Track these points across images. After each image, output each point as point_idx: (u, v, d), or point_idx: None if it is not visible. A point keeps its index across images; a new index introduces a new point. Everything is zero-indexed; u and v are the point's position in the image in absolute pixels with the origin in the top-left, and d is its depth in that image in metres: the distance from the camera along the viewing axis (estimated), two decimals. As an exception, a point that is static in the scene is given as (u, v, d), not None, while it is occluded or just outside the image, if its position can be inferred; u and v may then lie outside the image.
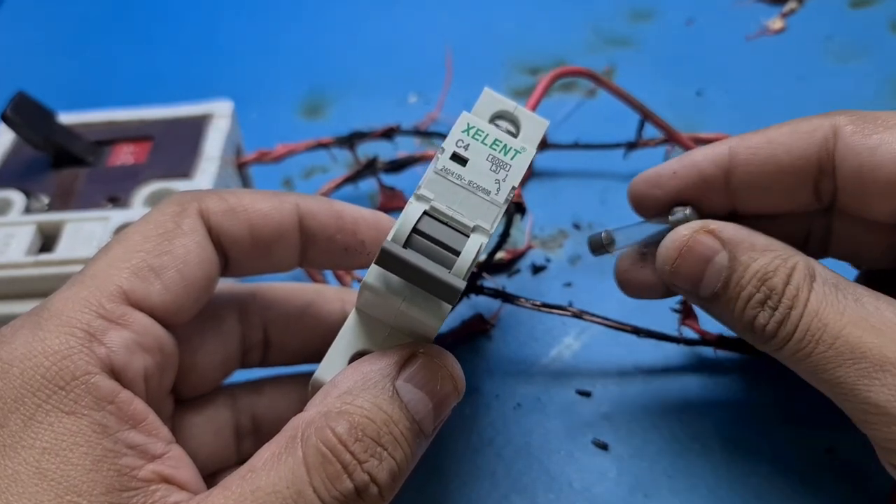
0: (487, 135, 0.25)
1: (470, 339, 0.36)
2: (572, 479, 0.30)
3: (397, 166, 0.41)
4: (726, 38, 0.51)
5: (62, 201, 0.36)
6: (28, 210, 0.36)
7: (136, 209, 0.35)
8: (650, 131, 0.42)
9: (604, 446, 0.31)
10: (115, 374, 0.21)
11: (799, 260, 0.25)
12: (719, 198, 0.27)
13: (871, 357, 0.22)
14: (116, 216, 0.35)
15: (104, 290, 0.22)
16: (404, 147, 0.45)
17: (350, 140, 0.42)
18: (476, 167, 0.24)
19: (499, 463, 0.31)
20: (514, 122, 0.27)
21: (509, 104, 0.26)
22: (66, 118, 0.40)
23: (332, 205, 0.26)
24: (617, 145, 0.43)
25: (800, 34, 0.51)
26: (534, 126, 0.26)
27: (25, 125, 0.37)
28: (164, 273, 0.23)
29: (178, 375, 0.26)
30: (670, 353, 0.34)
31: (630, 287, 0.30)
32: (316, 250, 0.26)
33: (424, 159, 0.41)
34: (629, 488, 0.30)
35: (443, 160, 0.24)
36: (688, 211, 0.28)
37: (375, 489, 0.21)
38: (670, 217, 0.28)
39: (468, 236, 0.23)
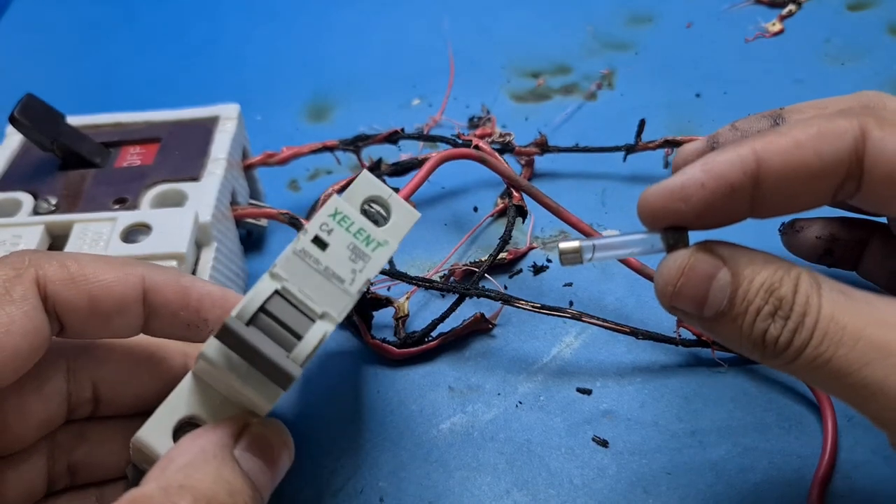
0: (353, 223, 0.25)
1: (473, 337, 0.36)
2: (573, 475, 0.31)
3: (401, 169, 0.42)
4: (725, 41, 0.52)
5: (70, 203, 0.37)
6: (36, 211, 0.36)
7: (143, 210, 0.36)
8: (649, 134, 0.42)
9: (604, 443, 0.32)
10: None
11: (802, 270, 0.24)
12: (742, 206, 0.25)
13: None
14: (124, 217, 0.35)
15: None
16: (408, 150, 0.45)
17: (354, 143, 0.42)
18: (335, 254, 0.24)
19: (500, 459, 0.32)
20: (385, 208, 0.27)
21: (385, 190, 0.27)
22: (73, 120, 0.40)
23: (179, 280, 0.26)
24: (616, 148, 0.43)
25: (798, 37, 0.52)
26: (404, 216, 0.27)
27: (33, 127, 0.37)
28: None
29: None
30: (669, 351, 0.35)
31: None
32: (159, 323, 0.26)
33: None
34: (628, 484, 0.30)
35: (303, 242, 0.24)
36: (686, 233, 0.26)
37: None
38: (669, 240, 0.26)
39: (314, 322, 0.23)
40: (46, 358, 0.26)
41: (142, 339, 0.28)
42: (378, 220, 0.27)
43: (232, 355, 0.23)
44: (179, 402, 0.24)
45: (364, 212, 0.27)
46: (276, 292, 0.23)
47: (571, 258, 0.26)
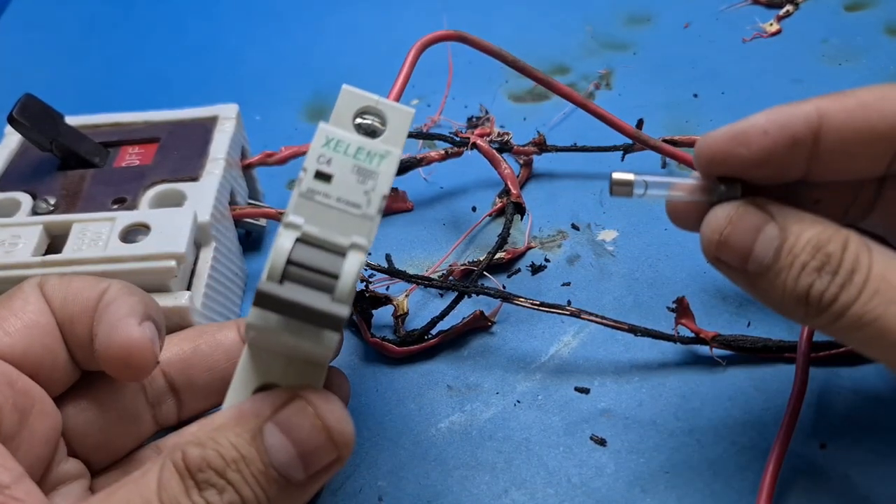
0: (349, 145, 0.24)
1: (471, 336, 0.37)
2: (571, 473, 0.31)
3: (400, 168, 0.42)
4: (722, 41, 0.52)
5: (69, 203, 0.37)
6: (35, 211, 0.36)
7: (142, 210, 0.36)
8: (647, 133, 0.42)
9: (602, 442, 0.32)
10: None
11: (851, 232, 0.24)
12: (800, 162, 0.25)
13: None
14: (123, 217, 0.35)
15: None
16: (407, 149, 0.45)
17: (352, 142, 0.42)
18: (342, 182, 0.23)
19: (499, 457, 0.32)
20: (379, 115, 0.26)
21: (371, 98, 0.26)
22: (72, 120, 0.40)
23: (102, 300, 0.27)
24: (615, 148, 0.43)
25: (795, 37, 0.52)
26: (399, 117, 0.26)
27: (32, 127, 0.37)
28: (4, 322, 0.25)
29: (81, 440, 0.27)
30: (667, 350, 0.35)
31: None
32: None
33: (426, 161, 0.42)
34: (627, 483, 0.31)
35: (307, 181, 0.23)
36: (739, 185, 0.26)
37: None
38: (722, 189, 0.26)
39: (346, 256, 0.22)
40: None
41: (188, 329, 0.31)
42: (375, 131, 0.26)
43: (275, 316, 0.22)
44: (246, 374, 0.24)
45: (358, 127, 0.26)
46: (298, 240, 0.22)
47: (622, 190, 0.26)
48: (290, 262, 0.22)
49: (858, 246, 0.24)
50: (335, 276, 0.22)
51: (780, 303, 0.25)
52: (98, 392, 0.28)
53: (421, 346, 0.36)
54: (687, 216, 0.27)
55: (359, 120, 0.26)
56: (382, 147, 0.24)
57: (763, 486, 0.29)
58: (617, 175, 0.26)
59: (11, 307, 0.26)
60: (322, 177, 0.23)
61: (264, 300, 0.22)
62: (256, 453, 0.22)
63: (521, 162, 0.45)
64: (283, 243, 0.22)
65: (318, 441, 0.23)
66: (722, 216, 0.25)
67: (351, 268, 0.22)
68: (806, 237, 0.24)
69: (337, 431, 0.23)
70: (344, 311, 0.22)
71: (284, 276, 0.22)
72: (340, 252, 0.23)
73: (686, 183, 0.26)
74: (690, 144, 0.42)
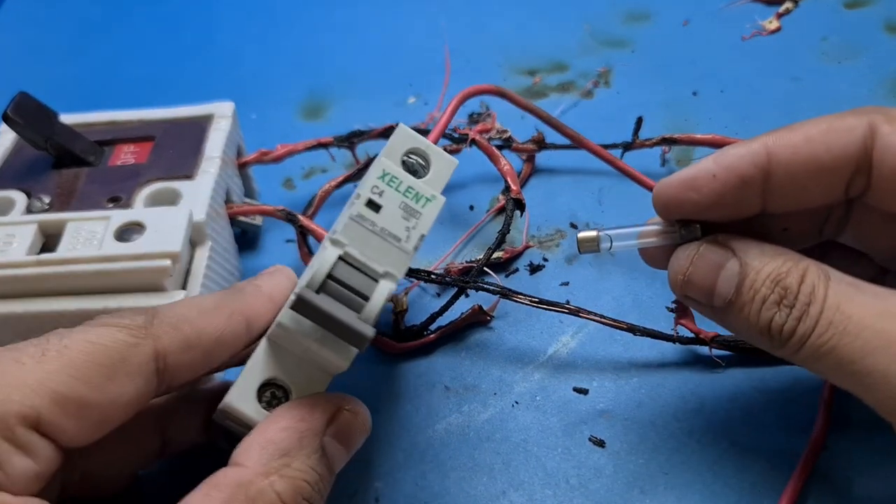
0: (401, 182, 0.26)
1: (469, 335, 0.36)
2: (569, 475, 0.31)
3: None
4: (722, 39, 0.52)
5: (63, 201, 0.36)
6: (29, 210, 0.36)
7: (137, 209, 0.36)
8: (646, 132, 0.42)
9: (600, 443, 0.32)
10: (11, 494, 0.21)
11: (810, 263, 0.25)
12: (754, 198, 0.26)
13: None
14: (117, 216, 0.35)
15: (20, 410, 0.21)
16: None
17: (349, 139, 0.42)
18: (389, 214, 0.25)
19: (497, 459, 0.32)
20: (424, 158, 0.28)
21: (422, 141, 0.28)
22: (67, 118, 0.40)
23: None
24: (614, 145, 0.43)
25: (795, 34, 0.51)
26: (443, 165, 0.28)
27: (27, 125, 0.37)
28: (87, 412, 0.22)
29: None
30: (666, 350, 0.34)
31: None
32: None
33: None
34: (625, 484, 0.30)
35: (358, 206, 0.25)
36: (697, 226, 0.27)
37: None
38: (681, 232, 0.27)
39: (378, 282, 0.24)
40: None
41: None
42: (417, 171, 0.28)
43: (307, 322, 0.24)
44: (258, 366, 0.26)
45: (404, 163, 0.28)
46: (340, 258, 0.24)
47: (589, 246, 0.28)
48: (329, 276, 0.24)
49: (815, 277, 0.24)
50: (366, 298, 0.24)
51: (747, 334, 0.26)
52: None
53: (419, 342, 0.35)
54: (658, 258, 0.29)
55: (406, 158, 0.28)
56: (430, 191, 0.26)
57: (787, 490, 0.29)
58: (582, 234, 0.28)
59: (108, 392, 0.23)
60: (372, 206, 0.25)
61: (302, 306, 0.23)
62: (327, 469, 0.24)
63: (524, 158, 0.45)
64: (327, 257, 0.24)
65: (361, 440, 0.26)
66: (683, 257, 0.27)
67: (381, 293, 0.24)
68: (766, 271, 0.25)
69: (369, 424, 0.26)
70: (370, 331, 0.23)
71: (322, 288, 0.24)
72: (374, 277, 0.25)
73: (650, 229, 0.28)
74: (690, 143, 0.42)
